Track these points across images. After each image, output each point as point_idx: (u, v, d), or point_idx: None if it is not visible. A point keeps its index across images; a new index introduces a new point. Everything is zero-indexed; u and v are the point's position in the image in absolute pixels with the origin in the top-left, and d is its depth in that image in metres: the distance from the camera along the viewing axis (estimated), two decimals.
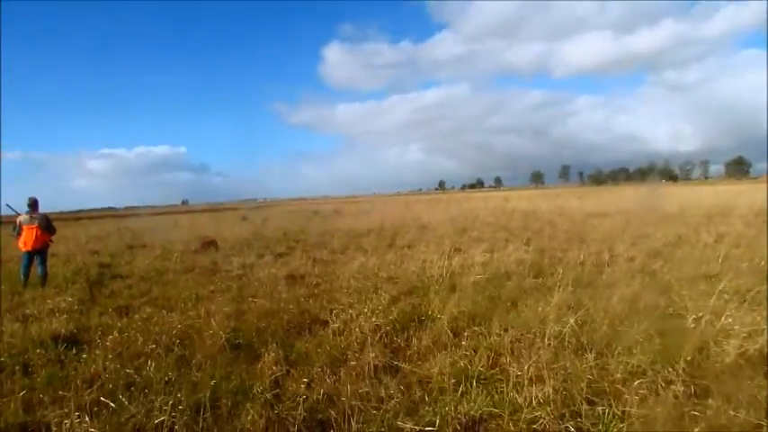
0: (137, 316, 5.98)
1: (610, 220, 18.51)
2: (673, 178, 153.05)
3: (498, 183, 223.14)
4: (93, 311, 6.68)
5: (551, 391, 3.63)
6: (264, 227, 20.91)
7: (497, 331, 4.98)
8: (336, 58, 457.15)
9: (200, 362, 4.52)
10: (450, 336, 5.02)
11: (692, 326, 4.81)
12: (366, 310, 5.51)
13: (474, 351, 4.62)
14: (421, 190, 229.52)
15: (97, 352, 4.81)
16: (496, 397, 3.71)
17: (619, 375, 3.99)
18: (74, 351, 5.02)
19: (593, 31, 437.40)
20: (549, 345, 4.65)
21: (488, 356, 4.49)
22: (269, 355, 4.50)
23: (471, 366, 4.23)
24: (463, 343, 4.74)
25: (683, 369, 3.96)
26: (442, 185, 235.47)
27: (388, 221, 20.31)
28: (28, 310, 6.77)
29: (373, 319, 5.31)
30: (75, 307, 6.90)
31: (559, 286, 6.82)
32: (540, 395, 3.60)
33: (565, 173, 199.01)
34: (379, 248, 11.93)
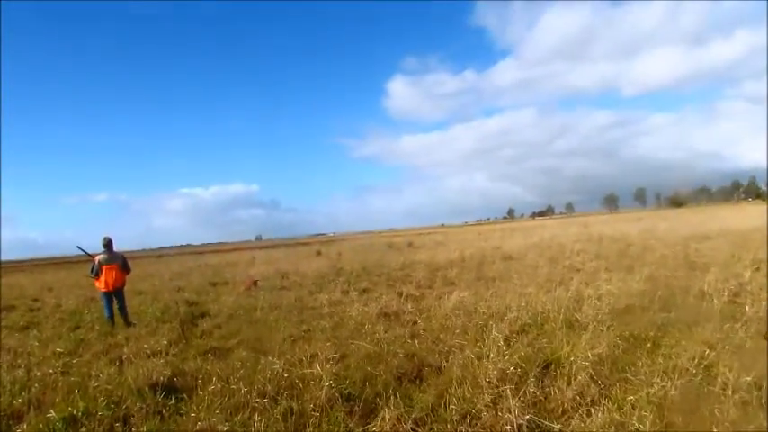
0: (237, 362, 5.54)
1: (713, 243, 16.83)
2: (759, 196, 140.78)
3: (570, 208, 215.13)
4: (187, 353, 6.41)
5: None
6: (340, 261, 20.62)
7: (656, 380, 4.12)
8: (400, 92, 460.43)
9: (311, 416, 3.99)
10: (599, 385, 4.20)
11: None
12: (491, 354, 4.75)
13: (633, 407, 3.79)
14: (489, 219, 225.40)
15: (198, 404, 4.40)
16: None
17: None
18: (172, 400, 4.66)
19: (663, 46, 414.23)
20: (732, 398, 3.74)
21: (653, 413, 3.66)
22: (389, 410, 3.90)
23: (642, 427, 3.41)
24: (630, 397, 3.88)
25: None
26: (511, 213, 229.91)
27: (466, 252, 19.43)
28: (123, 354, 6.58)
29: (500, 365, 4.57)
30: (170, 350, 6.67)
31: (704, 321, 5.88)
32: None
33: (641, 195, 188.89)
34: (467, 282, 11.16)
